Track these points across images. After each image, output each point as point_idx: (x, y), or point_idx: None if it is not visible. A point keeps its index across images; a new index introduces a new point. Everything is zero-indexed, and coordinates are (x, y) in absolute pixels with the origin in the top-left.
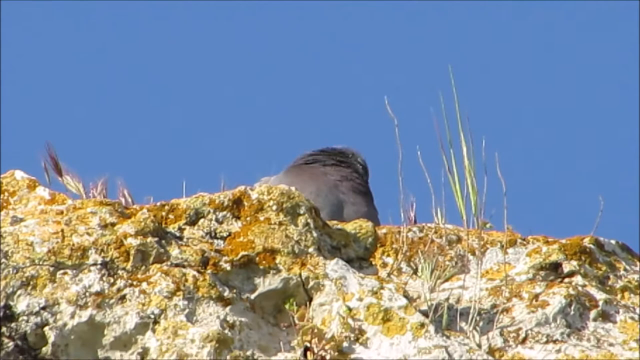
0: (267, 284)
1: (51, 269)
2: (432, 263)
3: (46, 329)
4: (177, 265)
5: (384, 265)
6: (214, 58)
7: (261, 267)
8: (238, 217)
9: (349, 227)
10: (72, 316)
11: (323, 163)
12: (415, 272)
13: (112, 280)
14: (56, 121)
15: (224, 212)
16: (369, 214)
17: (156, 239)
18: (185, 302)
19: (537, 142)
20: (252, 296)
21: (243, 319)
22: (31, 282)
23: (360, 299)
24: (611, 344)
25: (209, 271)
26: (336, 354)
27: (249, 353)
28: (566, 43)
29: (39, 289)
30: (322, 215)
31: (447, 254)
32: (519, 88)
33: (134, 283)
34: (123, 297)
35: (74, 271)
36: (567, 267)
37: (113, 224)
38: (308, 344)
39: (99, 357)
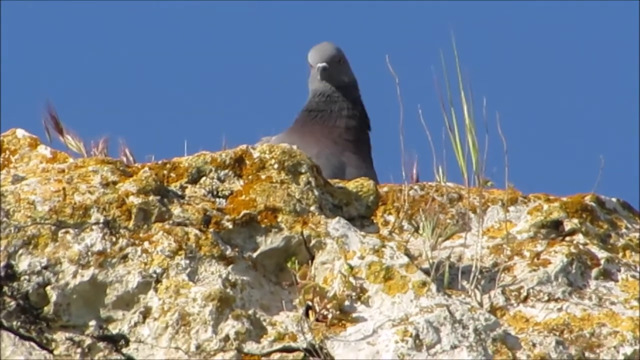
0: (269, 242)
1: (53, 228)
2: (433, 221)
3: (48, 288)
4: (179, 224)
5: (386, 223)
6: (217, 16)
7: (263, 225)
8: (240, 176)
9: (351, 185)
10: (74, 275)
11: (328, 113)
12: (416, 230)
13: (114, 239)
14: (57, 80)
15: (226, 171)
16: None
17: (158, 197)
18: (187, 261)
19: (538, 100)
20: (254, 255)
21: (245, 278)
22: (33, 241)
23: (362, 258)
24: (613, 303)
25: (211, 230)
26: (338, 312)
27: (250, 312)
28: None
29: (41, 248)
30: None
31: (449, 212)
32: (520, 45)
33: (136, 242)
34: (125, 257)
35: (76, 230)
36: (568, 225)
37: (115, 183)
38: (310, 303)
39: (101, 316)
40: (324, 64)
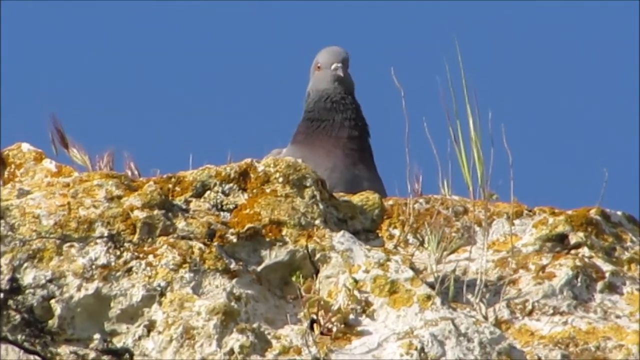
0: (273, 256)
1: (57, 241)
2: (438, 235)
3: (52, 301)
4: (183, 237)
5: (391, 237)
6: (222, 29)
7: (267, 239)
8: (244, 189)
9: (356, 199)
10: (79, 289)
11: (331, 123)
12: (421, 243)
13: (118, 252)
14: (62, 93)
15: (231, 184)
16: (381, 188)
17: (163, 211)
18: (192, 275)
19: (543, 113)
20: (259, 268)
21: (249, 292)
22: (37, 255)
23: (367, 271)
24: (618, 316)
25: (215, 243)
26: (342, 326)
27: (255, 325)
28: (577, 13)
29: (46, 261)
30: (337, 191)
31: (454, 225)
32: (525, 59)
33: (141, 256)
34: (129, 270)
35: (81, 244)
36: (573, 239)
37: (119, 197)
38: (314, 316)
39: (105, 329)
40: (340, 64)
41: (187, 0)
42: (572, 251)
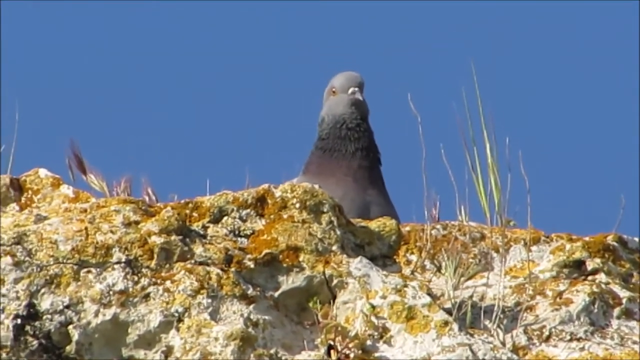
0: (290, 282)
1: (75, 267)
2: (455, 261)
3: (70, 327)
4: (201, 263)
5: (408, 263)
6: (240, 53)
7: (285, 265)
8: (262, 215)
9: (373, 225)
10: (96, 315)
11: (343, 153)
12: (439, 269)
13: (136, 278)
14: (80, 119)
15: (248, 210)
16: (393, 212)
17: (180, 237)
18: (209, 300)
19: (560, 140)
20: (276, 294)
21: (267, 317)
22: (55, 281)
23: (384, 297)
24: (635, 342)
25: (232, 269)
26: (360, 352)
27: (272, 351)
28: (593, 39)
29: (63, 287)
30: (349, 217)
31: (471, 251)
32: (542, 85)
33: (158, 281)
34: (147, 296)
35: (98, 269)
36: (590, 265)
37: (137, 222)
38: (332, 342)
39: (123, 355)
40: (357, 88)
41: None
42: (589, 277)
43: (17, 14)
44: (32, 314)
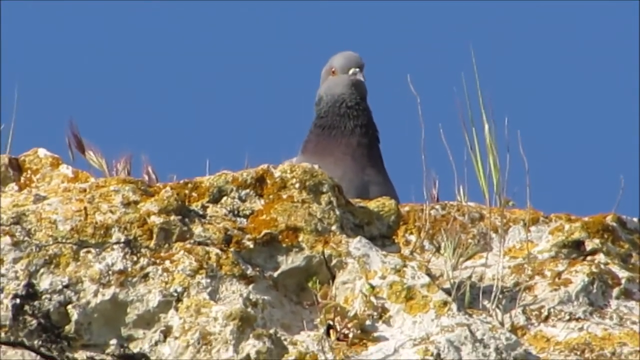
0: (290, 262)
1: (74, 247)
2: (454, 241)
3: (69, 307)
4: (200, 243)
5: (407, 243)
6: (240, 34)
7: (284, 245)
8: (261, 195)
9: (372, 205)
10: (95, 294)
11: (342, 130)
12: (437, 250)
13: (135, 258)
14: (79, 98)
15: (247, 190)
16: (392, 191)
17: (179, 217)
18: (208, 280)
19: (559, 120)
20: (275, 274)
21: (266, 297)
22: (54, 261)
23: (383, 277)
24: (634, 322)
25: (231, 249)
26: (359, 332)
27: (271, 331)
28: (592, 17)
29: (62, 267)
30: (348, 197)
31: (470, 232)
32: (541, 66)
33: (157, 261)
34: (146, 276)
35: (97, 249)
36: (589, 245)
37: (136, 202)
38: (331, 322)
39: (122, 335)
40: (358, 69)
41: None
42: (588, 258)
43: None
44: (31, 293)
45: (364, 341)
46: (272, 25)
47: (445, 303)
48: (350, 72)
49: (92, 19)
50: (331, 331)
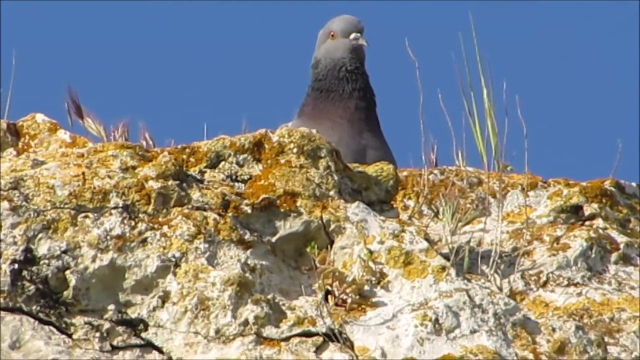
0: (288, 227)
1: (72, 212)
2: (453, 206)
3: (67, 272)
4: (198, 208)
5: (405, 208)
6: (239, 2)
7: (282, 210)
8: (259, 160)
9: (370, 170)
10: (93, 260)
11: (340, 93)
12: (436, 215)
13: (133, 223)
14: (77, 64)
15: (245, 155)
16: (389, 155)
17: (177, 182)
18: (206, 245)
19: (557, 85)
20: (273, 239)
21: (264, 262)
22: (52, 226)
23: (382, 242)
24: (632, 287)
25: (229, 214)
26: (357, 297)
27: (270, 296)
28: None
29: (60, 232)
30: (345, 162)
31: (468, 196)
32: (539, 30)
33: (155, 226)
34: (144, 241)
35: (95, 214)
36: (588, 210)
37: (134, 167)
38: (329, 288)
39: (120, 300)
40: (359, 33)
41: None
42: (587, 222)
43: None
44: (29, 259)
45: (362, 306)
46: None
47: (443, 268)
48: (352, 36)
49: None
50: (329, 296)
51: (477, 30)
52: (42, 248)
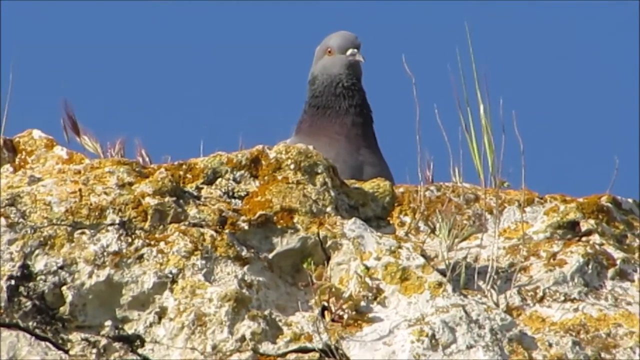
0: (284, 243)
1: (69, 228)
2: (449, 222)
3: (64, 288)
4: (194, 224)
5: (402, 224)
6: (233, 15)
7: (279, 226)
8: (256, 177)
9: (367, 186)
10: (90, 276)
11: (337, 110)
12: (433, 231)
13: (129, 239)
14: (74, 81)
15: (242, 172)
16: (386, 171)
17: (174, 198)
18: (203, 262)
19: (554, 101)
20: (270, 255)
21: (261, 279)
22: (49, 242)
23: (378, 258)
24: (629, 303)
25: (226, 231)
26: (354, 313)
27: (266, 312)
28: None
29: (57, 248)
30: (343, 178)
31: (465, 213)
32: (536, 46)
33: (152, 243)
34: (141, 257)
35: (92, 231)
36: (584, 226)
37: (131, 184)
38: (326, 304)
39: (117, 316)
40: (356, 50)
41: None
42: (583, 238)
43: None
44: (26, 275)
45: (359, 322)
46: (265, 6)
47: (440, 284)
48: (349, 52)
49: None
50: (326, 312)
51: (475, 33)
52: (38, 264)
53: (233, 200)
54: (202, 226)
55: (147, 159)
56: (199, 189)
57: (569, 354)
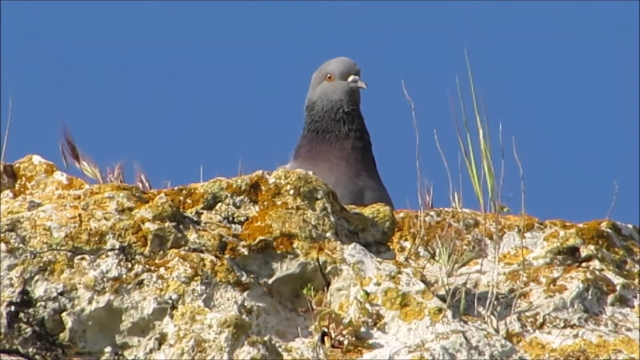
0: (284, 268)
1: (69, 254)
2: (449, 247)
3: (64, 314)
4: (194, 250)
5: (402, 249)
6: (231, 40)
7: (279, 251)
8: (255, 202)
9: (367, 211)
10: (90, 302)
11: (336, 134)
12: (432, 256)
13: (129, 265)
14: (73, 105)
15: (242, 197)
16: (385, 196)
17: (174, 223)
18: (203, 287)
19: (554, 126)
20: (270, 281)
21: (261, 304)
22: (49, 268)
23: (378, 284)
24: (629, 329)
25: (226, 256)
26: (354, 339)
27: (266, 338)
28: (585, 23)
29: (57, 274)
30: (343, 203)
31: (465, 238)
32: (535, 71)
33: (152, 268)
34: (141, 283)
35: (92, 256)
36: (584, 252)
37: (130, 209)
38: (326, 329)
39: (117, 342)
40: (357, 76)
41: (199, 5)
42: (583, 264)
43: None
44: (25, 301)
45: (359, 348)
46: (262, 30)
47: (440, 310)
48: (350, 78)
49: (85, 25)
50: (326, 338)
51: (473, 68)
52: (38, 290)
53: (233, 226)
54: (202, 251)
55: (146, 184)
56: (198, 214)
57: None
